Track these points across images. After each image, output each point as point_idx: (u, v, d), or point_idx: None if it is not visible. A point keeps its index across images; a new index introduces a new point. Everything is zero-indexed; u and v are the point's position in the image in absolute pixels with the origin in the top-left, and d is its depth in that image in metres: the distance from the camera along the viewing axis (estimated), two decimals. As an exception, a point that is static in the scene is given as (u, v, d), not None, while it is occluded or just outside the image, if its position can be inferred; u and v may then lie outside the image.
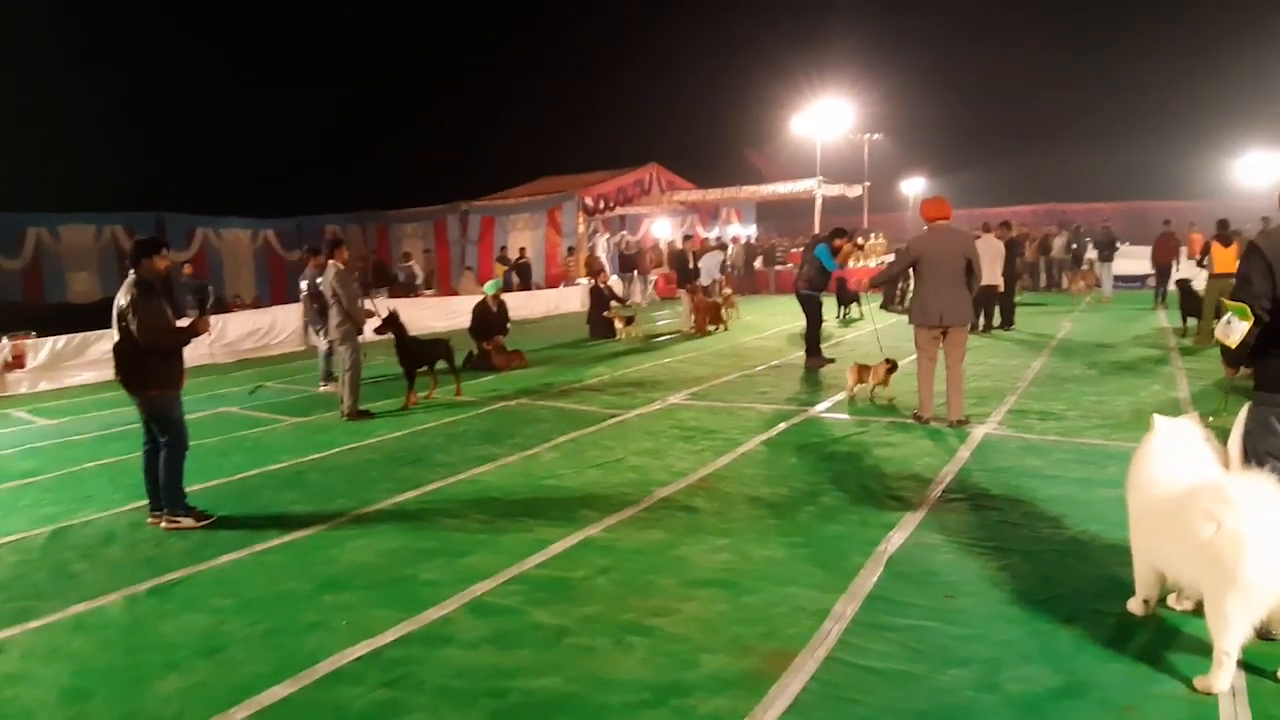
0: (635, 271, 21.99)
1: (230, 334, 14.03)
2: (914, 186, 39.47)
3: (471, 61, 60.17)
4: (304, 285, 10.70)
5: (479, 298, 19.34)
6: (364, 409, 8.51)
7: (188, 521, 5.29)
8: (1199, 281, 11.93)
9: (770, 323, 16.24)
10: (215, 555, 4.79)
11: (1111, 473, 5.61)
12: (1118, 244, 18.13)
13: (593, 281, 15.93)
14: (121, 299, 5.17)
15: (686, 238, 16.33)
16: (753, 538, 4.73)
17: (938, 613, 3.75)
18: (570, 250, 22.75)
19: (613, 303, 14.99)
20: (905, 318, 10.55)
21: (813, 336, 10.65)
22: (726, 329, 15.22)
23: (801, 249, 26.30)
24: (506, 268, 19.67)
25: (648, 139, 44.65)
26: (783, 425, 7.39)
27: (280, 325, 14.84)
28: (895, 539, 4.60)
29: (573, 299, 21.33)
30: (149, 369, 5.21)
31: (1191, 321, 11.67)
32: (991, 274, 12.98)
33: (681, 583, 4.16)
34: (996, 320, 13.44)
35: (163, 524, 5.29)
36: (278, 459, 6.97)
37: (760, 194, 24.11)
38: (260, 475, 6.55)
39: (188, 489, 5.54)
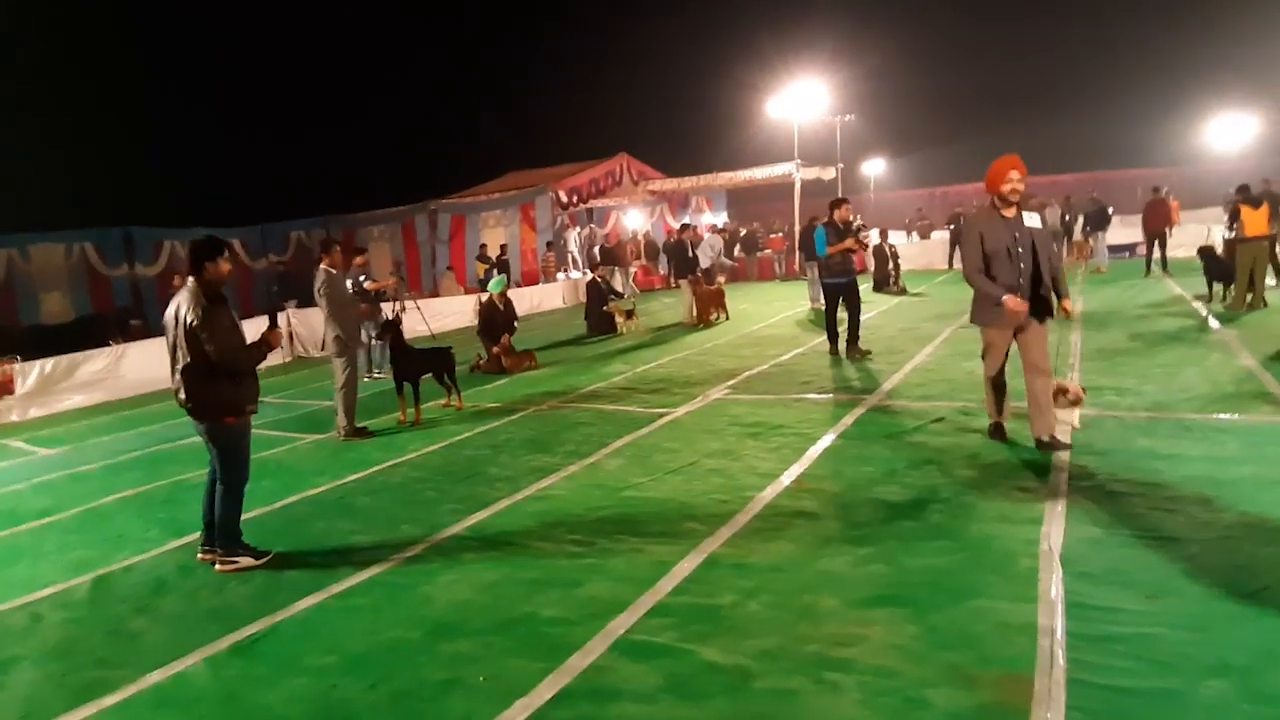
0: (615, 265, 21.41)
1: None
2: (875, 167, 39.57)
3: (433, 57, 58.53)
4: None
5: (460, 298, 18.84)
6: (361, 426, 7.82)
7: (245, 560, 4.67)
8: (1218, 247, 11.84)
9: (769, 310, 15.85)
10: (290, 601, 4.17)
11: (1233, 449, 5.32)
12: (1110, 213, 18.13)
13: (590, 276, 15.35)
14: (188, 314, 4.45)
15: (684, 227, 15.83)
16: (897, 545, 4.28)
17: (1153, 616, 3.35)
18: (549, 246, 22.09)
19: (611, 297, 14.44)
20: (902, 299, 9.80)
21: (830, 326, 10.18)
22: (728, 318, 14.78)
23: (781, 234, 26.18)
24: (488, 266, 18.94)
25: (615, 129, 43.99)
26: (849, 417, 6.95)
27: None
28: (1053, 535, 4.19)
29: (555, 296, 20.73)
30: (222, 393, 4.55)
31: (1217, 287, 11.56)
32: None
33: (848, 603, 3.69)
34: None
35: (217, 565, 4.65)
36: (314, 482, 6.31)
37: (738, 180, 23.71)
38: (302, 501, 5.89)
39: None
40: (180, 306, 4.52)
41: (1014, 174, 5.50)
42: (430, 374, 8.54)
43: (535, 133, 48.64)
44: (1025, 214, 5.61)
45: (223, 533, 4.66)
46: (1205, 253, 11.77)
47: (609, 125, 47.13)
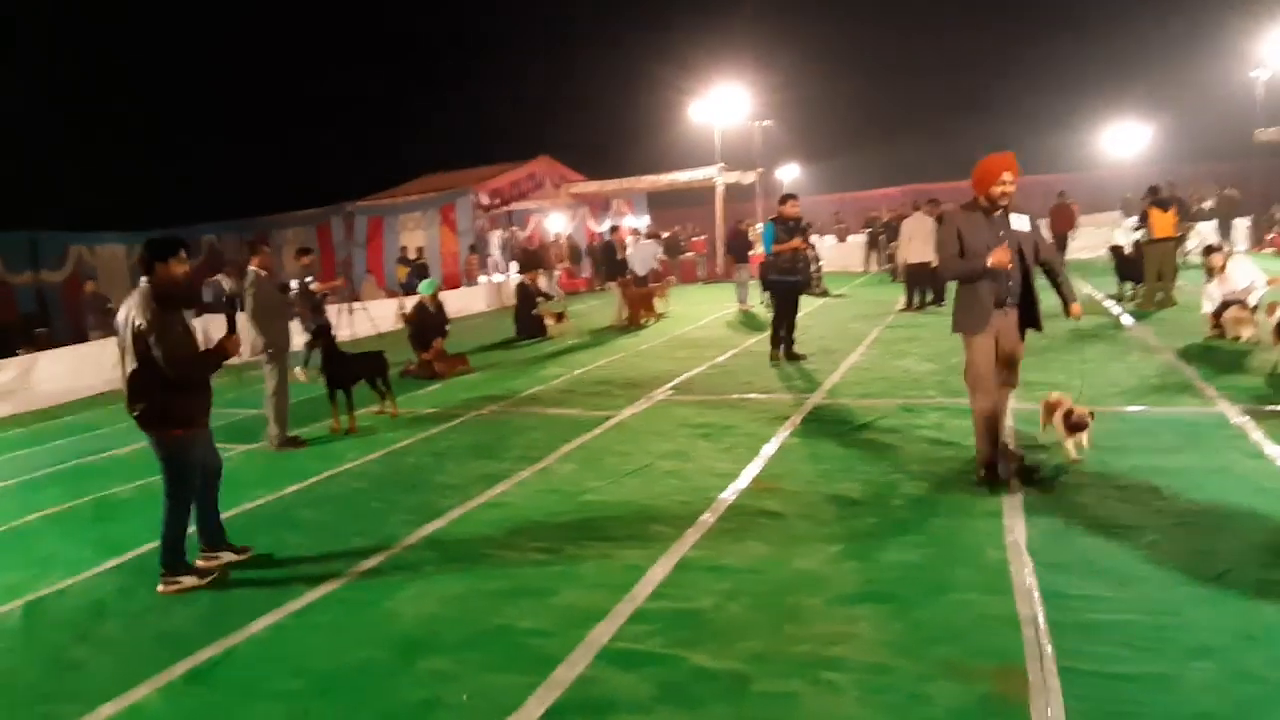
0: (539, 268, 21.13)
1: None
2: (789, 173, 40.39)
3: (347, 56, 56.31)
4: (294, 285, 10.66)
5: (381, 302, 18.23)
6: (293, 436, 7.44)
7: (189, 580, 4.39)
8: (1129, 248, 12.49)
9: (697, 312, 15.89)
10: (244, 622, 3.88)
11: (1170, 440, 5.58)
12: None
13: (520, 279, 15.09)
14: (138, 317, 4.15)
15: (614, 229, 15.75)
16: (867, 541, 4.30)
17: (1127, 603, 3.46)
18: (472, 249, 21.65)
19: (539, 299, 14.22)
20: (825, 300, 9.12)
21: (777, 327, 9.63)
22: (658, 320, 14.77)
23: (704, 237, 26.38)
24: (409, 269, 18.41)
25: (533, 132, 43.42)
26: (796, 416, 7.00)
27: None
28: (1016, 528, 4.29)
29: (478, 299, 20.33)
30: (170, 403, 4.24)
31: (1127, 286, 12.19)
32: (924, 251, 13.17)
33: (829, 601, 3.67)
34: (929, 297, 13.62)
35: (160, 586, 4.34)
36: (252, 494, 5.93)
37: (660, 183, 23.77)
38: (241, 515, 5.54)
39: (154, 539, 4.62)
40: (130, 309, 4.21)
41: (1007, 175, 4.78)
42: (363, 380, 8.19)
43: (452, 135, 47.53)
44: (1013, 215, 4.92)
45: (165, 550, 4.34)
46: (1117, 251, 12.38)
47: (527, 128, 46.56)
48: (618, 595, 3.86)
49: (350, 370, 8.04)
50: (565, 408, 8.17)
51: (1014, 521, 4.38)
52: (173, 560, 4.38)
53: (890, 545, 4.22)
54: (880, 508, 4.77)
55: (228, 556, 4.66)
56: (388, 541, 4.82)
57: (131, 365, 4.20)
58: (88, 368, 12.07)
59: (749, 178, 24.63)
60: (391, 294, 19.36)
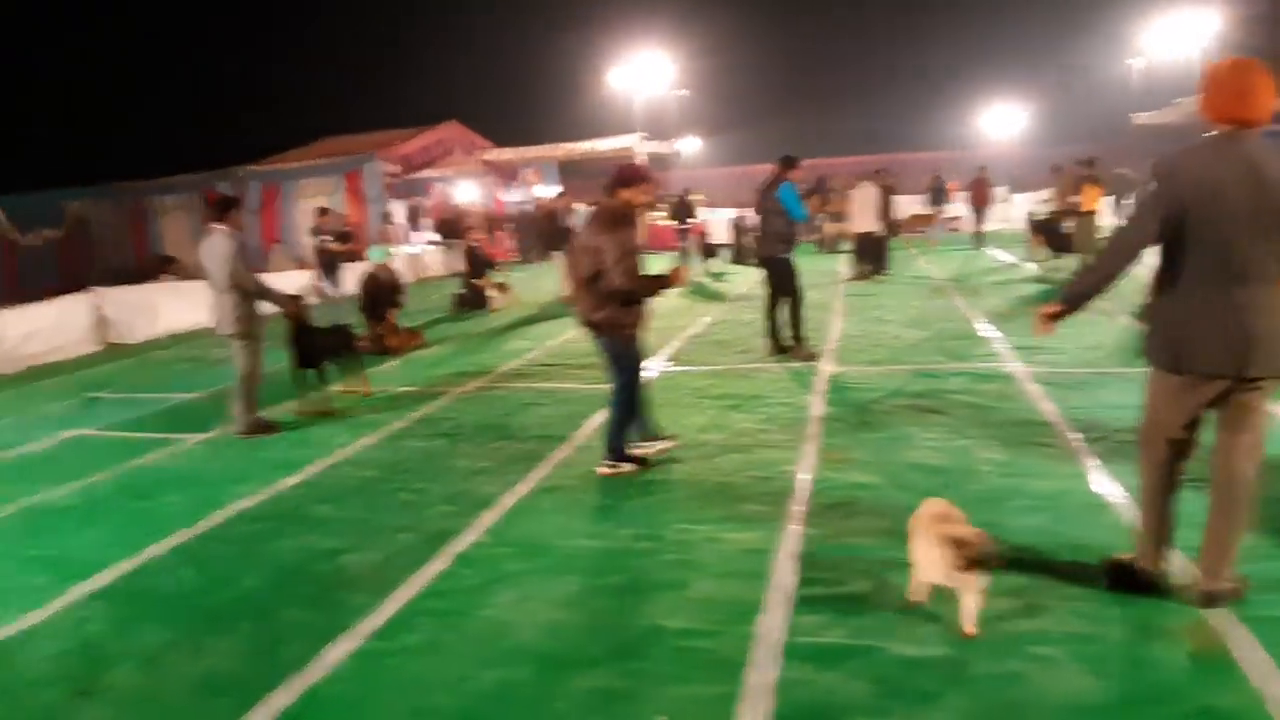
0: (458, 237, 20.17)
1: (9, 338, 10.66)
2: (690, 145, 40.37)
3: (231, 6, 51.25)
4: (316, 242, 11.02)
5: (296, 274, 16.80)
6: (266, 420, 6.66)
7: (628, 467, 4.97)
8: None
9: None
10: (308, 653, 3.18)
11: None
12: (946, 191, 19.53)
13: (468, 243, 14.16)
14: (597, 234, 4.68)
15: (560, 195, 15.06)
16: (984, 508, 4.01)
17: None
18: (385, 218, 20.39)
19: (488, 268, 13.42)
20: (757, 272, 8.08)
21: (796, 315, 7.85)
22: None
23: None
24: (331, 238, 17.04)
25: (441, 95, 41.44)
26: (819, 385, 6.82)
27: (67, 323, 11.61)
28: (1112, 487, 4.22)
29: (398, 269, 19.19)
30: (617, 312, 4.76)
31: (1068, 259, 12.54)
32: (872, 220, 13.27)
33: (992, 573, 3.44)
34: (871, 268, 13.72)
35: (600, 469, 4.98)
36: (236, 492, 5.14)
37: (578, 151, 23.06)
38: (239, 518, 4.74)
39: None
40: (582, 226, 4.83)
41: None
42: (332, 359, 7.42)
43: (354, 97, 44.39)
44: None
45: (613, 435, 4.96)
46: (1048, 227, 12.81)
47: (435, 90, 44.05)
48: (759, 583, 3.53)
49: (320, 346, 7.27)
50: (560, 381, 7.71)
51: (1102, 479, 4.34)
52: (618, 446, 4.93)
53: (1007, 510, 4.08)
54: (970, 474, 4.62)
55: (663, 444, 5.22)
56: (444, 537, 4.26)
57: (587, 276, 4.71)
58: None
59: (666, 148, 24.33)
60: (305, 266, 17.98)
